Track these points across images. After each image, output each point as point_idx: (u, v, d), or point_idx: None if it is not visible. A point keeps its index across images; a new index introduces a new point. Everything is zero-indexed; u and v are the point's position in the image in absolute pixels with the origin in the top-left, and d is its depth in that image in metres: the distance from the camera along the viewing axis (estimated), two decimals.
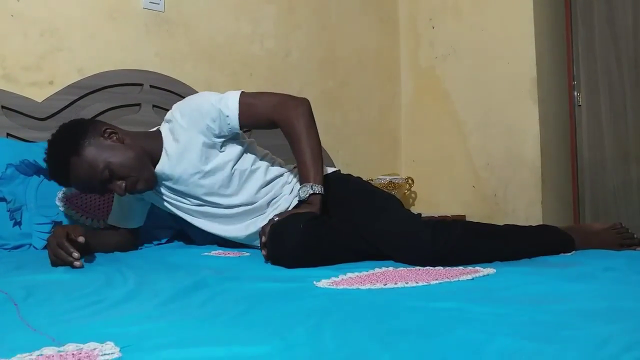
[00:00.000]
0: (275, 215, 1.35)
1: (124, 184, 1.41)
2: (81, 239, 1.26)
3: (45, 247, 1.56)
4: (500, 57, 2.48)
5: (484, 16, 2.54)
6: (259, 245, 1.31)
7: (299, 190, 1.41)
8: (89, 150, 1.38)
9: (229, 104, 1.44)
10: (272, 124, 1.47)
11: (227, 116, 1.43)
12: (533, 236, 1.41)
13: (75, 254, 1.24)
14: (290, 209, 1.52)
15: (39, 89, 1.92)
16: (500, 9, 2.48)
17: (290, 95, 1.51)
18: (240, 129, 1.47)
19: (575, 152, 2.54)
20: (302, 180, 1.41)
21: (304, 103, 1.47)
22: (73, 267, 1.24)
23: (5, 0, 1.88)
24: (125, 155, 1.41)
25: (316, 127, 1.46)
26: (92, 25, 2.03)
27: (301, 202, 1.40)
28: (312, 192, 1.38)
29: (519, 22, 2.41)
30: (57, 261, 1.26)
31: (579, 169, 2.54)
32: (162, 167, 1.49)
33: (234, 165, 1.50)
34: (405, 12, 2.91)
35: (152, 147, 1.48)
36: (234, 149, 1.50)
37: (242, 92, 1.47)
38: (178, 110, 1.48)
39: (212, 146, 1.47)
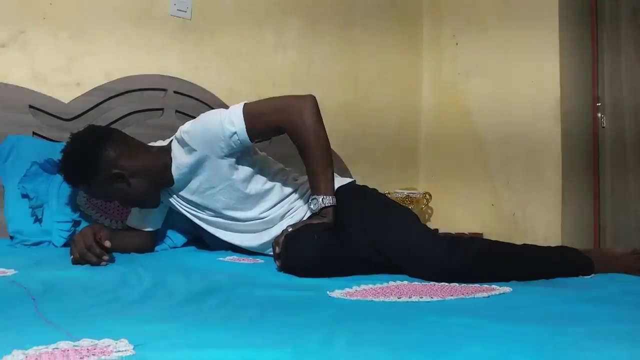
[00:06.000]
0: (289, 225, 1.35)
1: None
2: (108, 244, 1.29)
3: (65, 245, 1.60)
4: (524, 76, 2.46)
5: (508, 34, 2.53)
6: (273, 255, 1.32)
7: (310, 202, 1.41)
8: (97, 183, 1.48)
9: (234, 120, 1.41)
10: (280, 130, 1.43)
11: (235, 132, 1.41)
12: (551, 257, 1.38)
13: (106, 257, 1.28)
14: (304, 219, 1.52)
15: (66, 90, 1.96)
16: (526, 27, 2.47)
17: (293, 96, 1.45)
18: (251, 141, 1.44)
19: (597, 175, 2.50)
20: (313, 191, 1.41)
21: (308, 103, 1.40)
22: (95, 265, 1.26)
23: (39, 3, 1.94)
24: (128, 195, 1.50)
25: (324, 129, 1.41)
26: (121, 30, 2.07)
27: (313, 215, 1.40)
28: (323, 205, 1.37)
29: (544, 41, 2.40)
30: (80, 260, 1.28)
31: (600, 191, 2.50)
32: (176, 180, 1.51)
33: (248, 185, 1.50)
34: (429, 27, 2.91)
35: (160, 169, 1.51)
36: (246, 170, 1.49)
37: (245, 103, 1.44)
38: (187, 133, 1.46)
39: (224, 165, 1.46)
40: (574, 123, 2.43)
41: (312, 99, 1.42)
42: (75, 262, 1.29)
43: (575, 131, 2.43)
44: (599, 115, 2.52)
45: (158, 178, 1.51)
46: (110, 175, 1.45)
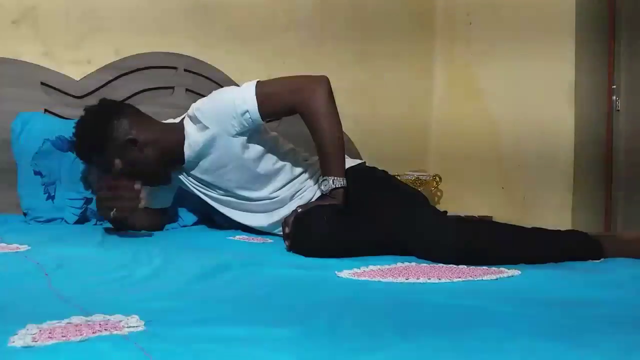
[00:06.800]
0: (298, 206, 1.36)
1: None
2: (137, 186, 1.34)
3: (77, 222, 1.63)
4: (538, 57, 2.42)
5: (523, 14, 2.49)
6: (282, 235, 1.32)
7: (320, 184, 1.41)
8: (110, 154, 1.46)
9: (247, 98, 1.41)
10: (293, 110, 1.44)
11: (247, 111, 1.41)
12: (560, 241, 1.37)
13: (142, 195, 1.37)
14: (313, 199, 1.53)
15: (77, 67, 1.96)
16: (541, 8, 2.42)
17: (307, 76, 1.46)
18: (263, 119, 1.44)
19: (610, 159, 2.48)
20: (324, 172, 1.41)
21: (322, 85, 1.41)
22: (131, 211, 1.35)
23: None
24: (140, 164, 1.47)
25: (336, 110, 1.41)
26: (131, 7, 2.06)
27: (324, 195, 1.41)
28: (334, 186, 1.37)
29: (559, 21, 2.35)
30: (117, 213, 1.34)
31: (613, 176, 2.47)
32: (187, 158, 1.51)
33: (259, 164, 1.50)
34: (442, 6, 2.86)
35: (172, 143, 1.49)
36: (257, 149, 1.49)
37: (258, 81, 1.44)
38: (199, 110, 1.47)
39: (236, 143, 1.46)
40: (588, 106, 2.40)
41: (326, 80, 1.43)
42: (111, 218, 1.35)
43: (589, 114, 2.40)
44: (614, 97, 2.48)
45: (170, 152, 1.51)
46: (123, 142, 1.45)
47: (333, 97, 1.42)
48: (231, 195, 1.56)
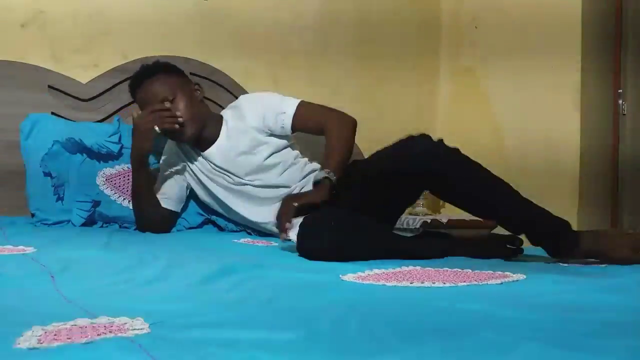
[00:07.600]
0: (290, 198, 1.40)
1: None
2: (168, 104, 1.58)
3: (84, 225, 1.65)
4: (544, 62, 2.42)
5: (529, 19, 2.49)
6: (278, 226, 1.34)
7: (315, 173, 1.50)
8: (175, 78, 1.66)
9: (289, 104, 1.64)
10: (319, 130, 1.63)
11: (284, 112, 1.62)
12: (531, 202, 1.50)
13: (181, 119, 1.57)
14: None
15: (84, 70, 1.98)
16: (547, 13, 2.42)
17: (343, 112, 1.67)
18: (292, 129, 1.64)
19: (616, 163, 2.46)
20: (323, 166, 1.50)
21: (351, 122, 1.63)
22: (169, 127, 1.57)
23: None
24: (192, 107, 1.62)
25: (353, 142, 1.63)
26: (138, 11, 2.08)
27: (315, 185, 1.45)
28: (325, 175, 1.43)
29: (565, 26, 2.35)
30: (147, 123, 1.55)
31: (619, 181, 2.46)
32: (217, 146, 1.64)
33: (277, 154, 1.65)
34: (447, 10, 2.86)
35: (210, 125, 1.66)
36: (278, 142, 1.67)
37: (302, 100, 1.66)
38: (245, 98, 1.74)
39: (261, 132, 1.64)
40: (594, 110, 2.39)
41: (356, 122, 1.65)
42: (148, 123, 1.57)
43: (595, 118, 2.39)
44: (620, 102, 2.47)
45: (208, 124, 1.66)
46: (192, 82, 1.71)
47: (355, 134, 1.63)
48: (244, 183, 1.63)
